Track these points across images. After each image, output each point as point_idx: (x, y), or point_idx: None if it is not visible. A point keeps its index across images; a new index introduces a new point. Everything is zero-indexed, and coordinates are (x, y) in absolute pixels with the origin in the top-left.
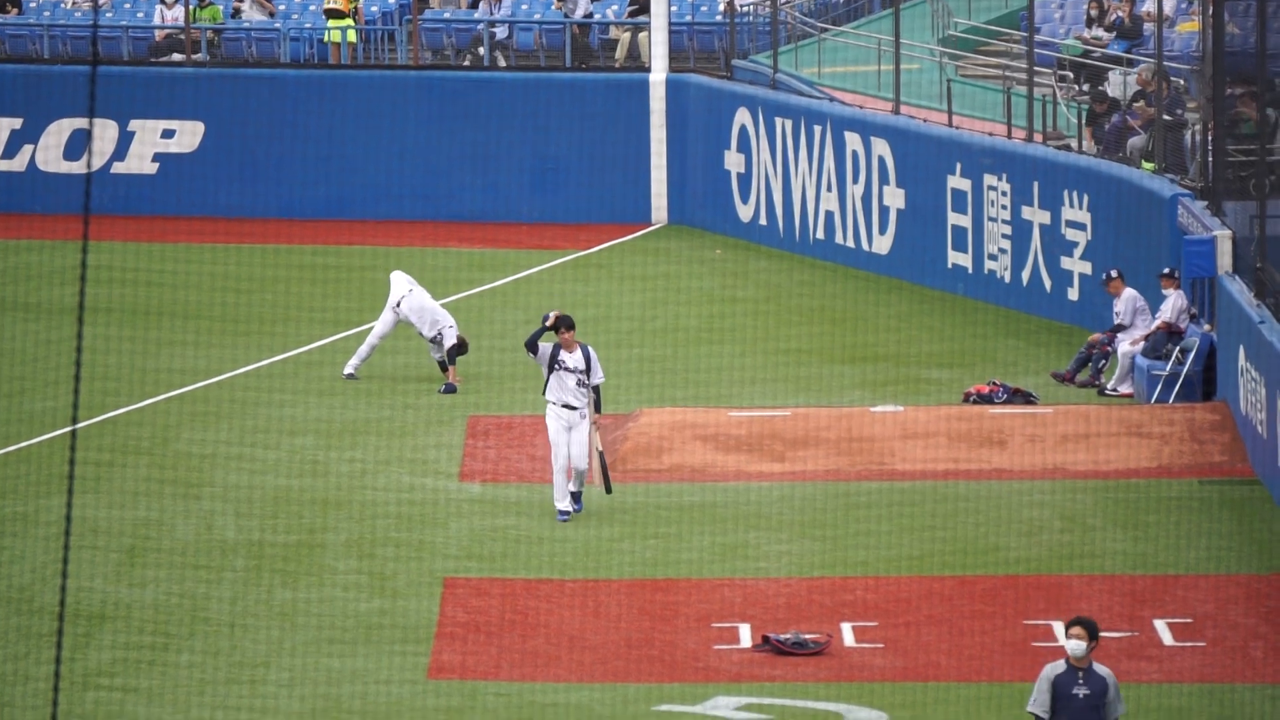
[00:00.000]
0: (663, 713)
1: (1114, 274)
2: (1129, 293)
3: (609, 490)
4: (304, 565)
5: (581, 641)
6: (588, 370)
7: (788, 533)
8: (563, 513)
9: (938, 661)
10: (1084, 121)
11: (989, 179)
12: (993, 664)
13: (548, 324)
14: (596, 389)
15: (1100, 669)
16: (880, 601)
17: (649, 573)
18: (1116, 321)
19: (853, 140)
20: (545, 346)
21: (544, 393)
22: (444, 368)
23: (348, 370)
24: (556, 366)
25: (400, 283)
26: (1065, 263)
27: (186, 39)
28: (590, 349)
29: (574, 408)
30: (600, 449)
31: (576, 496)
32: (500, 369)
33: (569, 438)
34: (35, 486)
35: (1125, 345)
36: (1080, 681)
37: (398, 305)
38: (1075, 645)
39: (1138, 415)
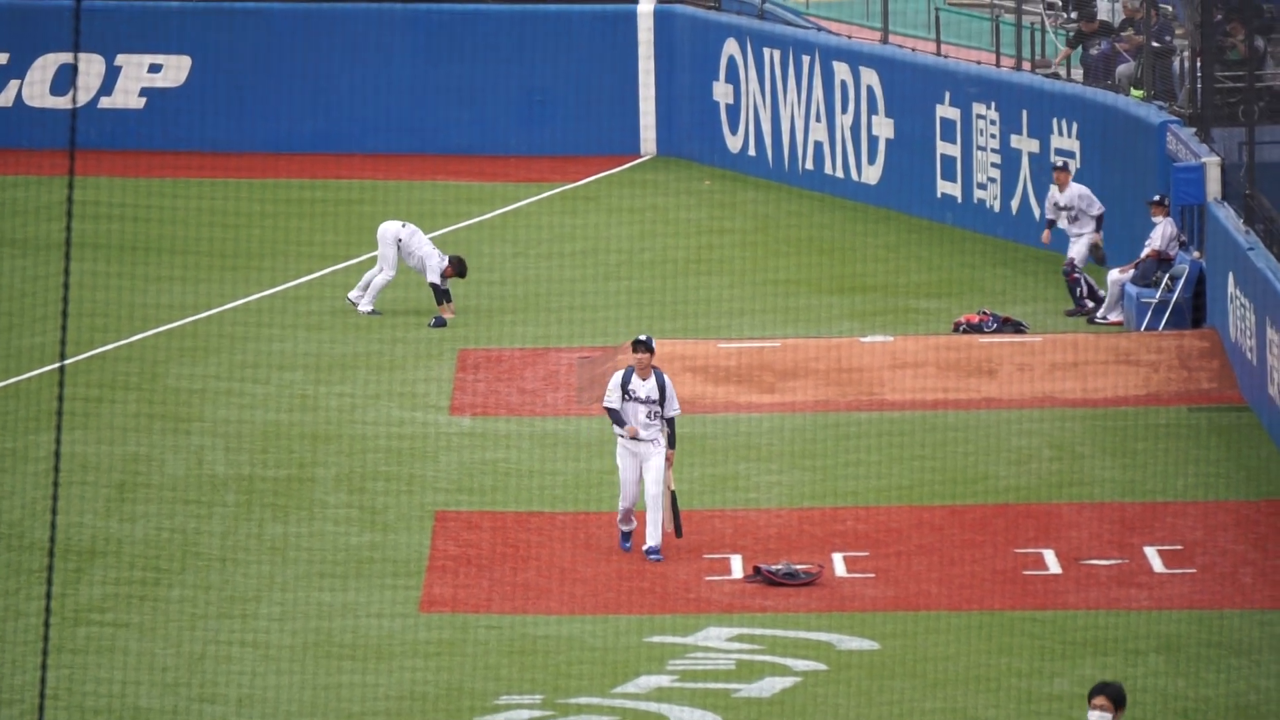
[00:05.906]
0: (654, 644)
1: (1060, 163)
2: (1078, 188)
3: (679, 534)
4: (295, 500)
5: (573, 574)
6: (662, 400)
7: (778, 464)
8: (625, 536)
9: (929, 591)
10: (1067, 43)
11: (978, 108)
12: (984, 593)
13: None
14: (671, 421)
15: None
16: (871, 531)
17: (640, 505)
18: (1063, 213)
19: (841, 70)
20: (618, 373)
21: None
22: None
23: (366, 307)
24: (628, 395)
25: (393, 227)
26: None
27: None
28: (666, 377)
29: (642, 440)
30: (673, 488)
31: (655, 549)
32: (490, 302)
33: (638, 469)
34: (25, 422)
35: (1115, 273)
36: None
37: (399, 241)
38: (1099, 717)
39: (1127, 343)
